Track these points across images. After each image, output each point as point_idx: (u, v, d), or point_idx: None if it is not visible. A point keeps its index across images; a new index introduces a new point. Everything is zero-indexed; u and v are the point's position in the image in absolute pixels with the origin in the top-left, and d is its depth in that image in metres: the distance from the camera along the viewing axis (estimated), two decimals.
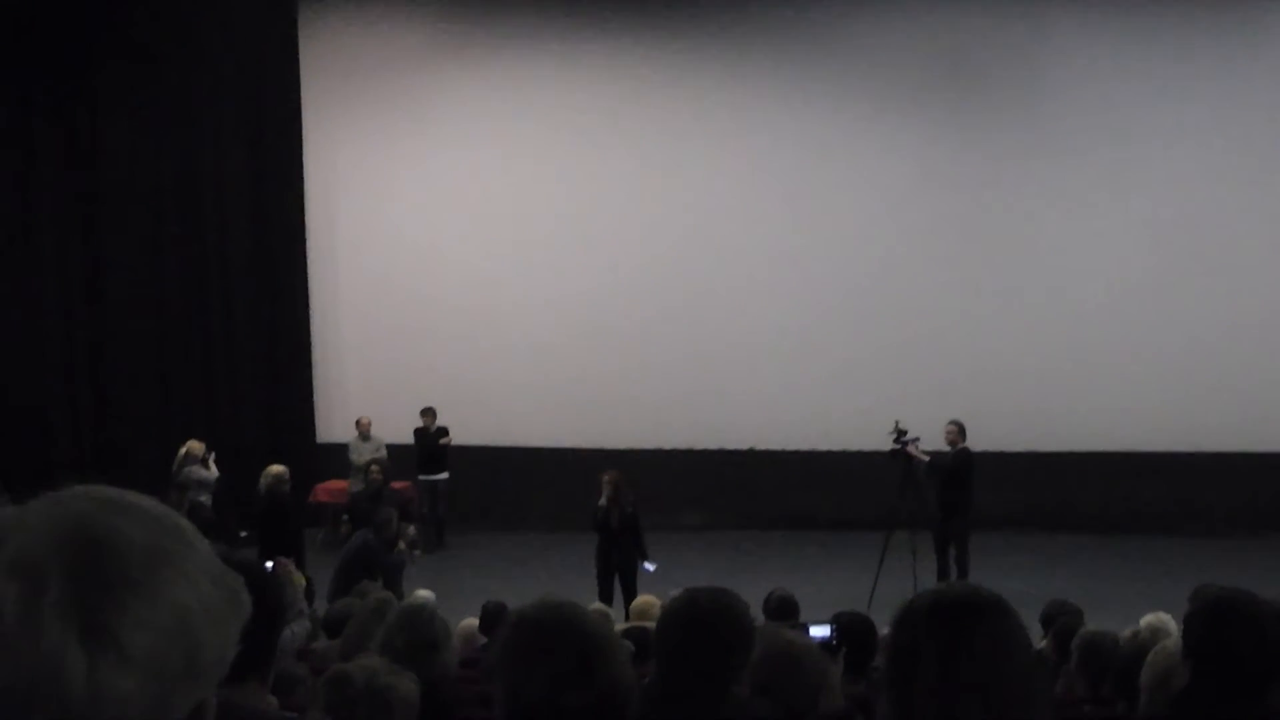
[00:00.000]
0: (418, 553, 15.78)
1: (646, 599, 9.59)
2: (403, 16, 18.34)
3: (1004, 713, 2.18)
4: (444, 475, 16.98)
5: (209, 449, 15.50)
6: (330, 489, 17.29)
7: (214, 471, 15.33)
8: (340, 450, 17.25)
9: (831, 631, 5.29)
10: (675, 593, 3.96)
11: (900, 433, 13.70)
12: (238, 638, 1.20)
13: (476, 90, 18.00)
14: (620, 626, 7.82)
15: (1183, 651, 3.72)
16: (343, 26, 18.41)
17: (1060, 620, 8.15)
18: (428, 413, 16.98)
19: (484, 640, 8.70)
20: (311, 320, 18.54)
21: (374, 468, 15.23)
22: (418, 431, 16.99)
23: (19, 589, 1.08)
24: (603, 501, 12.86)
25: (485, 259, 17.95)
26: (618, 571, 12.84)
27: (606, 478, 12.92)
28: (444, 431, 16.99)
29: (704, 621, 3.49)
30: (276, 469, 13.14)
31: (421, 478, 16.95)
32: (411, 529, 12.98)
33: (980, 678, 2.17)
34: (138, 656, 1.10)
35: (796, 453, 17.33)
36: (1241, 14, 16.69)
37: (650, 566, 12.83)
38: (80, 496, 1.18)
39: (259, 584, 2.15)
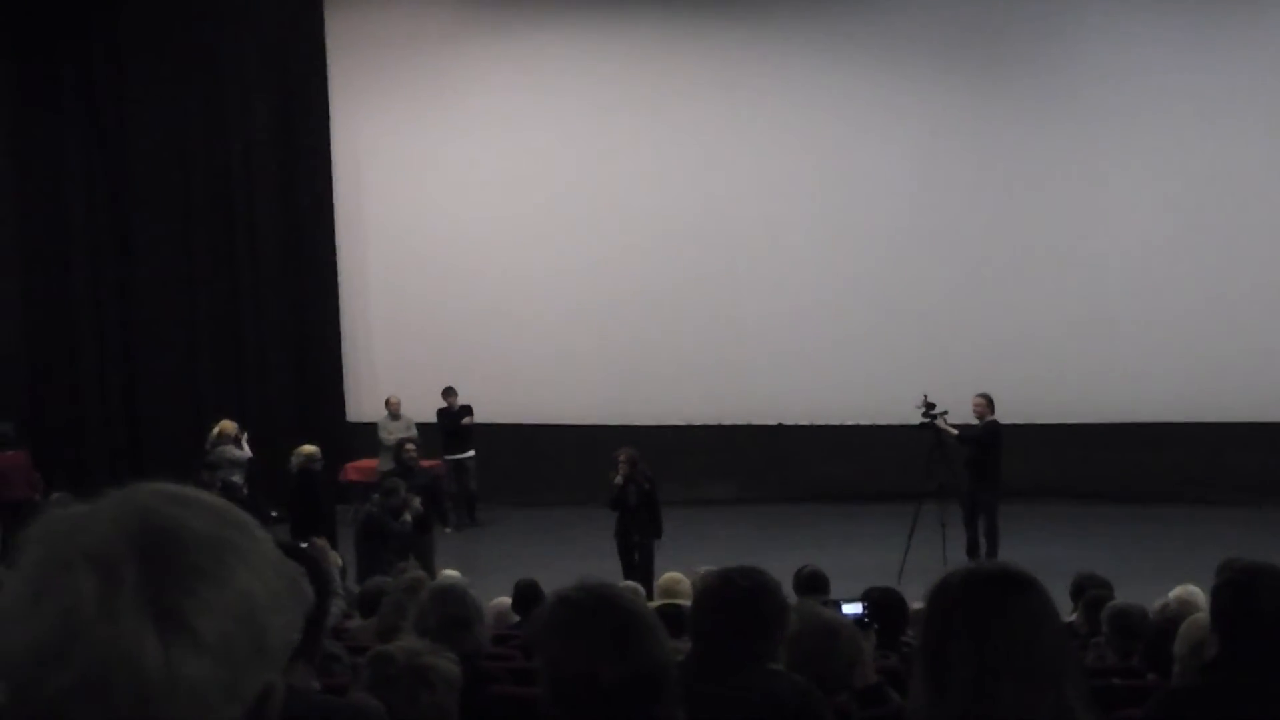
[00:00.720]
0: (449, 530, 15.92)
1: (673, 575, 9.62)
2: None
3: (1035, 687, 2.22)
4: (470, 453, 17.06)
5: (241, 429, 15.58)
6: (360, 468, 17.36)
7: (247, 451, 15.41)
8: (370, 429, 17.32)
9: (864, 608, 5.35)
10: (706, 569, 4.03)
11: (929, 406, 13.68)
12: (300, 623, 1.25)
13: (503, 66, 17.98)
14: (653, 604, 7.87)
15: (1211, 622, 3.77)
16: (369, 3, 18.43)
17: (1090, 592, 8.19)
18: (450, 392, 17.04)
19: (516, 618, 8.77)
20: (341, 299, 18.63)
21: (409, 446, 15.28)
22: (441, 411, 17.04)
23: (97, 579, 1.14)
24: (618, 480, 12.80)
25: (512, 236, 17.97)
26: (637, 549, 12.83)
27: (622, 456, 12.86)
28: (467, 410, 17.04)
29: (739, 600, 3.57)
30: (308, 448, 13.24)
31: (447, 457, 17.02)
32: (417, 500, 13.02)
33: (1012, 653, 2.21)
34: (209, 641, 1.15)
35: (825, 427, 17.33)
36: None
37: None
38: (144, 492, 1.24)
39: (308, 569, 2.21)
